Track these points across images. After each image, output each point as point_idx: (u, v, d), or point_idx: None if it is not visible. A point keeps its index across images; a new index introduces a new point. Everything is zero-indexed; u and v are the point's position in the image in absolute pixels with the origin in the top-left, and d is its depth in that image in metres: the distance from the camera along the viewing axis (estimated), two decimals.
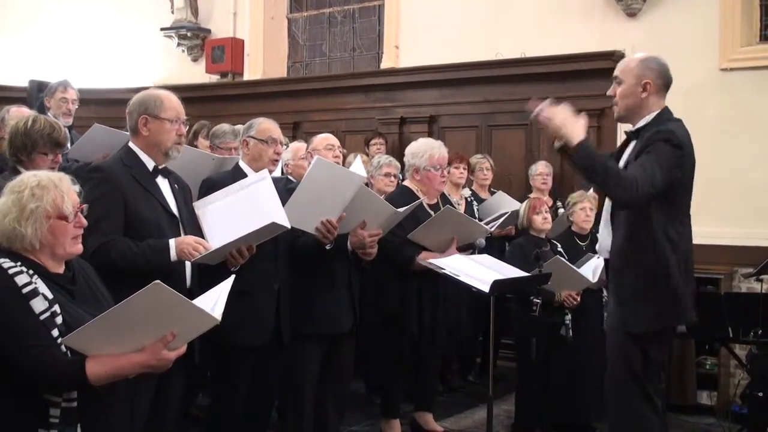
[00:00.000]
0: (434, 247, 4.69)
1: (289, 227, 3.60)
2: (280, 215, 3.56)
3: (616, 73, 3.71)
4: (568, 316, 4.98)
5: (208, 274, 3.37)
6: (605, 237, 3.72)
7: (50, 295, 2.46)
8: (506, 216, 5.84)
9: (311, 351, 4.22)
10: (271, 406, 4.42)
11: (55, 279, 2.53)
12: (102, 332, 2.39)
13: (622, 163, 3.62)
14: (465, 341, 6.32)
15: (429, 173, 4.83)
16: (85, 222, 2.63)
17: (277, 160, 4.13)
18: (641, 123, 3.64)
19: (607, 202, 3.73)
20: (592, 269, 5.00)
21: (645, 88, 3.60)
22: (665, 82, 3.66)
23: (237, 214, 3.52)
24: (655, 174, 3.39)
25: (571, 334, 4.94)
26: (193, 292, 3.14)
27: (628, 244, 3.57)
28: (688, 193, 3.63)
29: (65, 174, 2.68)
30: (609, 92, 3.74)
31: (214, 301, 2.64)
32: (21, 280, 2.42)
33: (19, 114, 4.50)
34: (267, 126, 4.08)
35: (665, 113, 3.64)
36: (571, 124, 3.44)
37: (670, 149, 3.46)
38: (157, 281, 2.35)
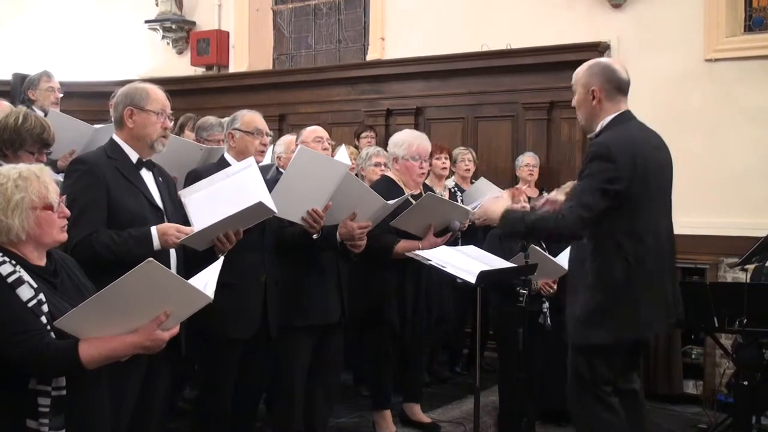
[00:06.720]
0: (418, 232, 4.68)
1: (277, 212, 3.58)
2: (266, 198, 3.53)
3: (572, 82, 3.72)
4: (546, 305, 5.00)
5: (194, 264, 3.34)
6: None
7: (35, 285, 2.45)
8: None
9: (302, 343, 4.21)
10: (259, 399, 4.40)
11: (37, 271, 2.52)
12: (95, 313, 2.38)
13: None
14: (452, 333, 6.33)
15: (407, 163, 4.80)
16: (67, 212, 2.63)
17: (263, 152, 4.12)
18: (597, 130, 3.63)
19: None
20: (567, 258, 5.01)
21: (593, 95, 3.59)
22: (615, 85, 3.61)
23: (223, 199, 3.49)
24: (587, 198, 3.40)
25: (549, 322, 4.96)
26: None
27: (581, 252, 3.58)
28: (649, 202, 3.51)
29: (44, 165, 2.66)
30: (573, 103, 3.75)
31: (205, 282, 2.63)
32: (5, 269, 2.42)
33: None
34: (251, 117, 4.06)
35: (619, 118, 3.59)
36: (492, 208, 3.73)
37: (601, 165, 3.43)
38: (150, 259, 2.34)
